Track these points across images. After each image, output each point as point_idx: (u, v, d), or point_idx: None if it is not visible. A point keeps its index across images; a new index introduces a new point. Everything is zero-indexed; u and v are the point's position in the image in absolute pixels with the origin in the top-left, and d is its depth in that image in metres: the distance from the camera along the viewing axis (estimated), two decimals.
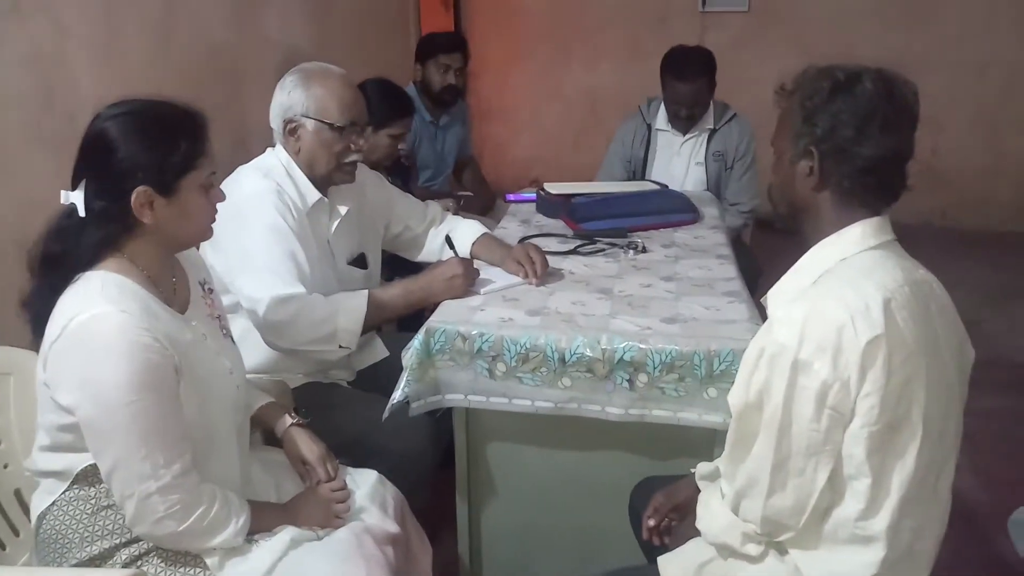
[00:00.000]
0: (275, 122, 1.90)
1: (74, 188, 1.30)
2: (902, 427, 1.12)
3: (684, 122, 2.96)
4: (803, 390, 1.12)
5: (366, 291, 1.89)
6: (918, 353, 1.12)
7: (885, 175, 1.19)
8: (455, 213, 2.50)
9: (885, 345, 1.09)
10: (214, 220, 1.42)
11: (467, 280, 1.92)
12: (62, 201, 1.31)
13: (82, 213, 1.29)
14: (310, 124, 1.86)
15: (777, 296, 1.27)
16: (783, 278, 1.28)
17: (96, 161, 1.30)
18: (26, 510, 1.51)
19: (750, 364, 1.19)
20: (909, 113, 1.19)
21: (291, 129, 1.87)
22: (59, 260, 1.31)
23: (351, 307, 1.84)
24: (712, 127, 2.97)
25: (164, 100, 1.35)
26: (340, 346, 1.84)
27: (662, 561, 1.37)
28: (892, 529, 1.14)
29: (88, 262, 1.31)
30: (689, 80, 2.84)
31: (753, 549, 1.26)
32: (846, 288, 1.14)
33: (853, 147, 1.17)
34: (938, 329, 1.18)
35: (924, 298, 1.18)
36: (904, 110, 1.18)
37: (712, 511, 1.31)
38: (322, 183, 1.93)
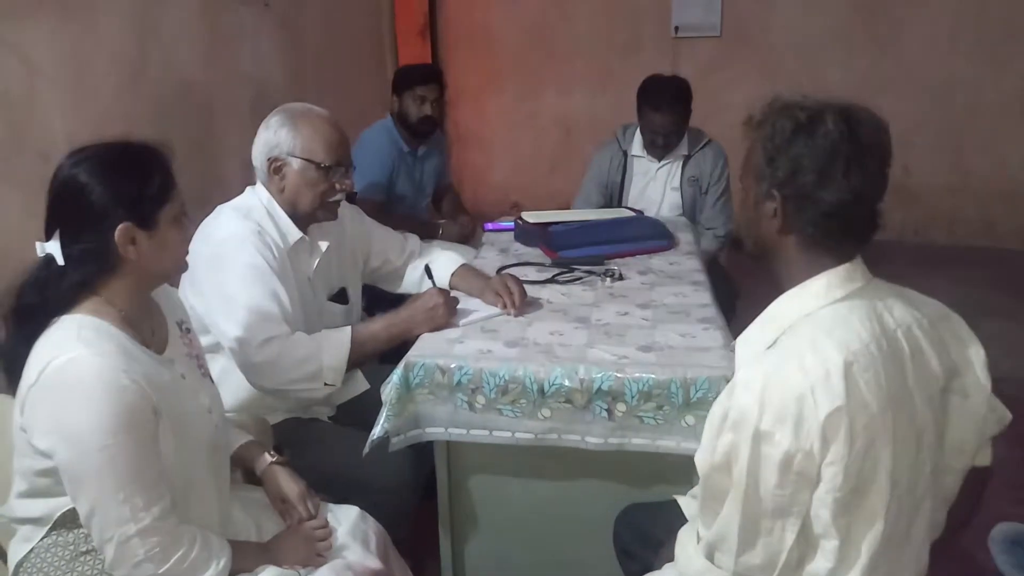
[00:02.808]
0: (258, 160, 1.91)
1: (48, 238, 1.30)
2: (869, 490, 1.10)
3: (660, 149, 3.00)
4: (767, 459, 1.10)
5: (349, 327, 1.90)
6: (883, 414, 1.09)
7: (851, 219, 1.16)
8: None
9: (846, 416, 1.07)
10: (187, 252, 1.43)
11: (448, 310, 1.93)
12: (38, 253, 1.31)
13: (61, 262, 1.29)
14: (296, 163, 1.88)
15: (744, 346, 1.24)
16: (751, 326, 1.25)
17: (71, 207, 1.30)
18: (4, 557, 1.49)
19: (715, 427, 1.16)
20: (876, 152, 1.15)
21: (276, 168, 1.88)
22: (35, 309, 1.31)
23: (335, 344, 1.85)
24: (687, 153, 3.02)
25: (124, 139, 1.36)
26: (325, 383, 1.84)
27: (687, 544, 1.34)
28: None
29: (65, 306, 1.31)
30: (665, 110, 2.89)
31: None
32: (807, 351, 1.11)
33: (815, 192, 1.13)
34: (911, 379, 1.14)
35: (896, 350, 1.14)
36: (870, 149, 1.14)
37: (688, 554, 1.30)
38: (304, 220, 1.94)
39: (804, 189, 1.14)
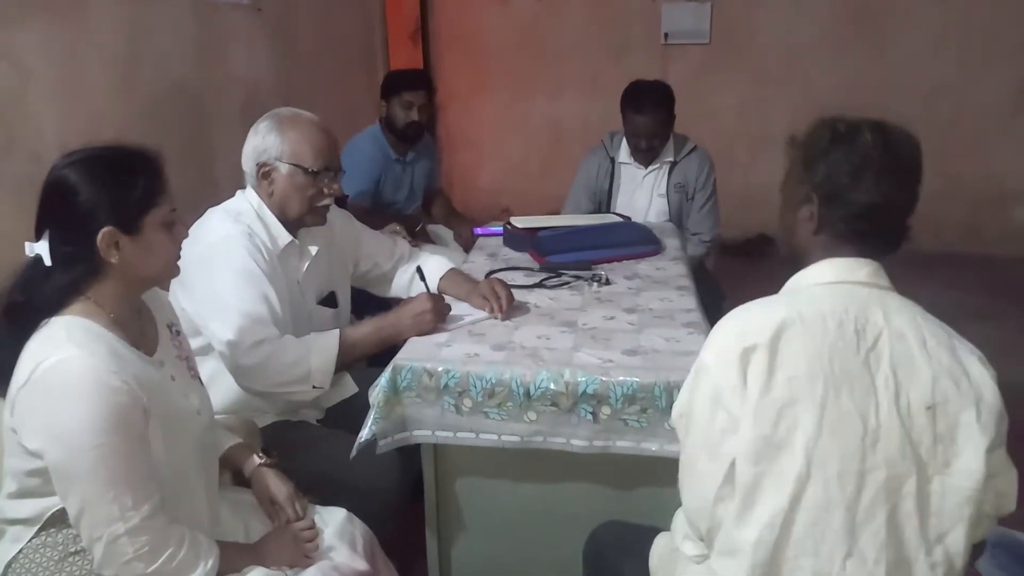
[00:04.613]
0: (247, 165, 1.93)
1: (38, 239, 1.32)
2: (783, 448, 1.16)
3: (645, 154, 3.03)
4: (702, 391, 1.21)
5: (337, 331, 1.91)
6: (811, 379, 1.15)
7: (879, 222, 1.24)
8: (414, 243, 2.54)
9: (763, 358, 1.16)
10: (179, 257, 1.44)
11: (436, 316, 1.94)
12: (27, 253, 1.32)
13: (48, 262, 1.31)
14: (284, 168, 1.89)
15: None
16: None
17: (58, 208, 1.32)
18: None
19: (688, 378, 1.28)
20: (906, 165, 1.24)
21: (264, 172, 1.90)
22: (24, 309, 1.33)
23: (323, 347, 1.86)
24: (673, 159, 3.05)
25: (117, 143, 1.38)
26: (314, 386, 1.86)
27: (659, 537, 1.44)
28: (760, 545, 1.16)
29: (54, 308, 1.32)
30: (648, 113, 2.92)
31: (690, 548, 1.31)
32: (761, 306, 1.24)
33: (848, 193, 1.23)
34: (877, 376, 1.17)
35: (862, 341, 1.18)
36: (901, 162, 1.24)
37: (676, 514, 1.38)
38: (294, 225, 1.95)
39: (838, 190, 1.24)
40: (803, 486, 1.15)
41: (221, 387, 1.84)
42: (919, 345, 1.18)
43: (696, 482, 1.24)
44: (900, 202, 1.24)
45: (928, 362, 1.17)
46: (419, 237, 3.14)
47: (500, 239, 2.71)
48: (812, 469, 1.14)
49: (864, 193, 1.22)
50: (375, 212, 3.08)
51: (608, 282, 2.27)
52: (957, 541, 1.16)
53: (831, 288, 1.24)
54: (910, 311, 1.23)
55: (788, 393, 1.15)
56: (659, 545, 1.41)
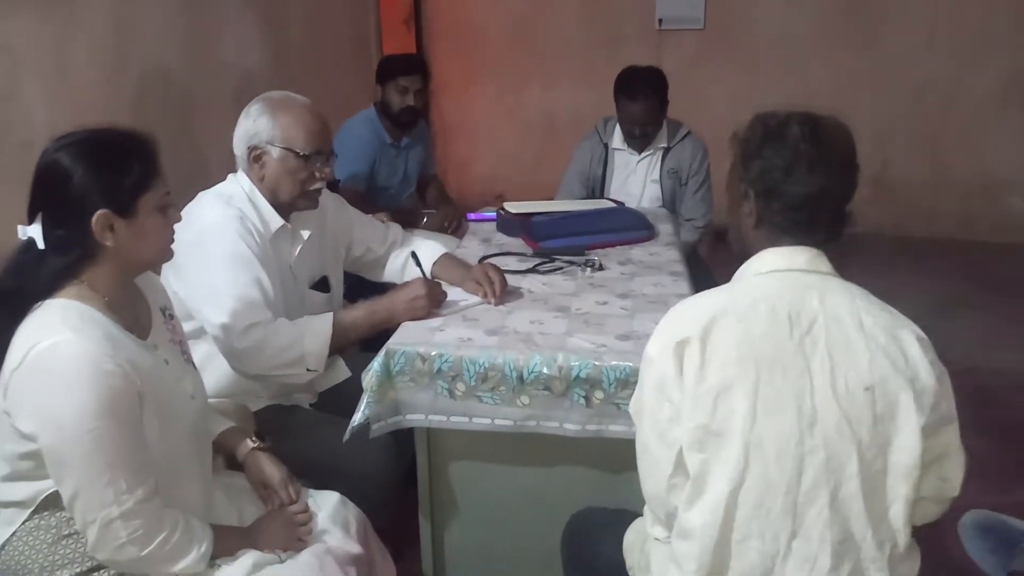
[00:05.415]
0: (239, 148, 1.92)
1: (30, 222, 1.31)
2: (723, 434, 1.17)
3: (638, 141, 3.03)
4: (648, 380, 1.25)
5: (331, 314, 1.92)
6: (742, 363, 1.17)
7: (816, 212, 1.26)
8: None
9: (696, 349, 1.19)
10: (172, 240, 1.44)
11: (430, 301, 1.94)
12: (19, 236, 1.32)
13: (41, 245, 1.30)
14: (276, 152, 1.88)
15: None
16: None
17: (52, 191, 1.31)
18: None
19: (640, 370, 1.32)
20: (837, 155, 1.26)
21: (256, 156, 1.89)
22: (16, 293, 1.32)
23: (317, 330, 1.86)
24: (666, 145, 3.05)
25: (110, 127, 1.37)
26: (308, 369, 1.86)
27: (636, 521, 1.47)
28: (706, 530, 1.18)
29: (48, 291, 1.32)
30: (640, 99, 2.92)
31: (659, 532, 1.33)
32: (699, 299, 1.29)
33: (782, 186, 1.25)
34: (811, 362, 1.18)
35: (797, 325, 1.19)
36: (831, 152, 1.25)
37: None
38: (285, 209, 1.95)
39: (773, 184, 1.26)
40: (743, 470, 1.17)
41: (214, 371, 1.84)
42: (855, 326, 1.19)
43: (651, 468, 1.27)
44: (836, 191, 1.26)
45: (865, 342, 1.18)
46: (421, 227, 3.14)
47: (493, 224, 2.70)
48: (750, 452, 1.16)
49: (797, 185, 1.24)
50: (369, 197, 3.08)
51: (601, 267, 2.27)
52: (897, 516, 1.18)
53: (770, 276, 1.26)
54: (850, 294, 1.24)
55: (722, 380, 1.18)
56: (635, 527, 1.46)
